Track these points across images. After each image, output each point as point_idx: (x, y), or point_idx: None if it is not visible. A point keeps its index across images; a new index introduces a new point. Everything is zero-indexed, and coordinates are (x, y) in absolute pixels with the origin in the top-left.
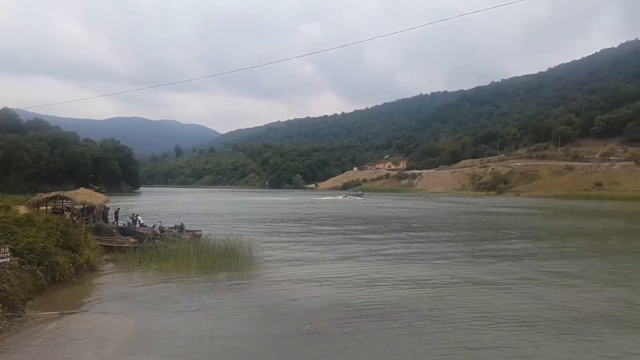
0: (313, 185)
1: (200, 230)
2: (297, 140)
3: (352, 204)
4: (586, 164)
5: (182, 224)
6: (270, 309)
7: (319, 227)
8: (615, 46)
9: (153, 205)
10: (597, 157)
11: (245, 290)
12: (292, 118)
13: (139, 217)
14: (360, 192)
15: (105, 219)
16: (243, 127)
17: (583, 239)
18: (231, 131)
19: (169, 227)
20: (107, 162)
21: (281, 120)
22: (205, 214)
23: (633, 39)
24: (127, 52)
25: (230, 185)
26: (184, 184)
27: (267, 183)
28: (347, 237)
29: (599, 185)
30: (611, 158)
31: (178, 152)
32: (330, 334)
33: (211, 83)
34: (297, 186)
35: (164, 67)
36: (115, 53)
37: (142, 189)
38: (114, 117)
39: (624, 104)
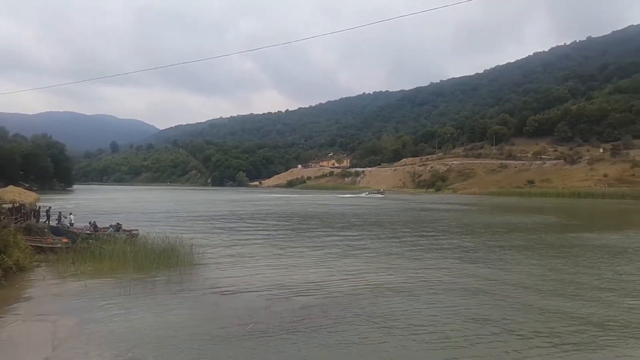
0: (257, 183)
1: (137, 230)
2: (241, 137)
3: (296, 201)
4: (519, 162)
5: (118, 223)
6: (212, 308)
7: (263, 225)
8: (546, 50)
9: (88, 204)
10: (529, 155)
11: (185, 290)
12: (235, 114)
13: (71, 216)
14: (381, 190)
15: (38, 219)
16: (183, 123)
17: (520, 234)
18: (171, 127)
19: (103, 227)
20: (38, 159)
21: (224, 117)
22: (145, 213)
23: (562, 43)
24: (55, 42)
25: (170, 182)
26: (120, 181)
27: (209, 181)
28: (292, 233)
29: (531, 182)
30: (542, 157)
31: (114, 148)
32: (273, 332)
33: (149, 77)
34: (240, 184)
35: (97, 60)
36: (43, 44)
37: (75, 186)
38: (46, 112)
39: (554, 105)
